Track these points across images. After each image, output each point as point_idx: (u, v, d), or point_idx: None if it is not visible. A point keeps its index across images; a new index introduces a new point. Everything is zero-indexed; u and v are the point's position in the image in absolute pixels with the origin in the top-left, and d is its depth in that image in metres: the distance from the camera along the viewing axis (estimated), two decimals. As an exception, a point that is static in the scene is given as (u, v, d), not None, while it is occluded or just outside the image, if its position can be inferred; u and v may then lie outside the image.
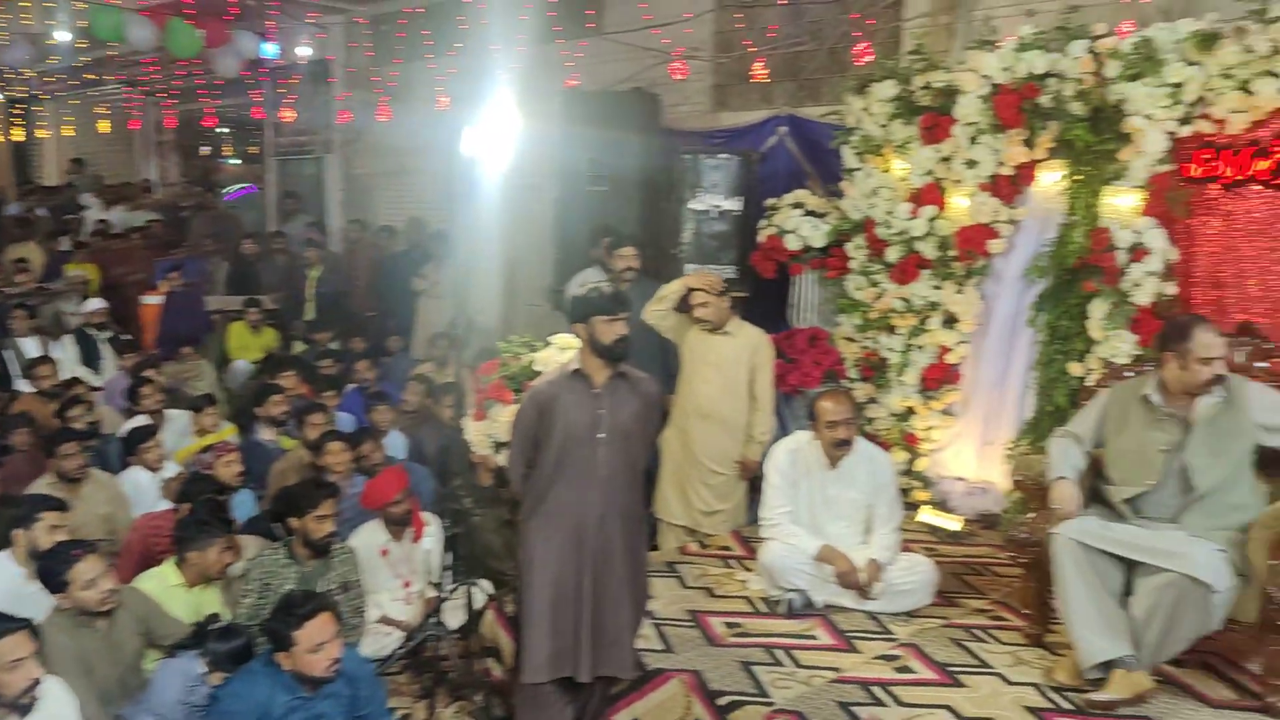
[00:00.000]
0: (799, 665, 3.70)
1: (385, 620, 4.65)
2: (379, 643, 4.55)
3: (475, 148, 3.94)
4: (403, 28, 9.91)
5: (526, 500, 3.58)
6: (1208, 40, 4.59)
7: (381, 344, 8.49)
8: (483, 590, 4.60)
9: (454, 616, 4.52)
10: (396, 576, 4.75)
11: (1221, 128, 4.73)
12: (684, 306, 5.25)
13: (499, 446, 4.82)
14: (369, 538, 4.72)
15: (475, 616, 4.40)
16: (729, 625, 4.06)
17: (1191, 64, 4.64)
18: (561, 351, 4.37)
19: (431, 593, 4.66)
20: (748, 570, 4.63)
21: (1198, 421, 3.59)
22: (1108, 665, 3.40)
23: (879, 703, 3.40)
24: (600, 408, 3.47)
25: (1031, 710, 3.37)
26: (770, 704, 3.41)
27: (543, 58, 8.19)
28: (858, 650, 3.85)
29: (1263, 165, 4.65)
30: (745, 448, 5.16)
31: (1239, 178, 4.73)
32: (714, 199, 6.50)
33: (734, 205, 6.47)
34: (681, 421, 5.22)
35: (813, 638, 3.98)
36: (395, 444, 6.14)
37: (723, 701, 3.45)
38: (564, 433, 3.45)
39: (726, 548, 5.00)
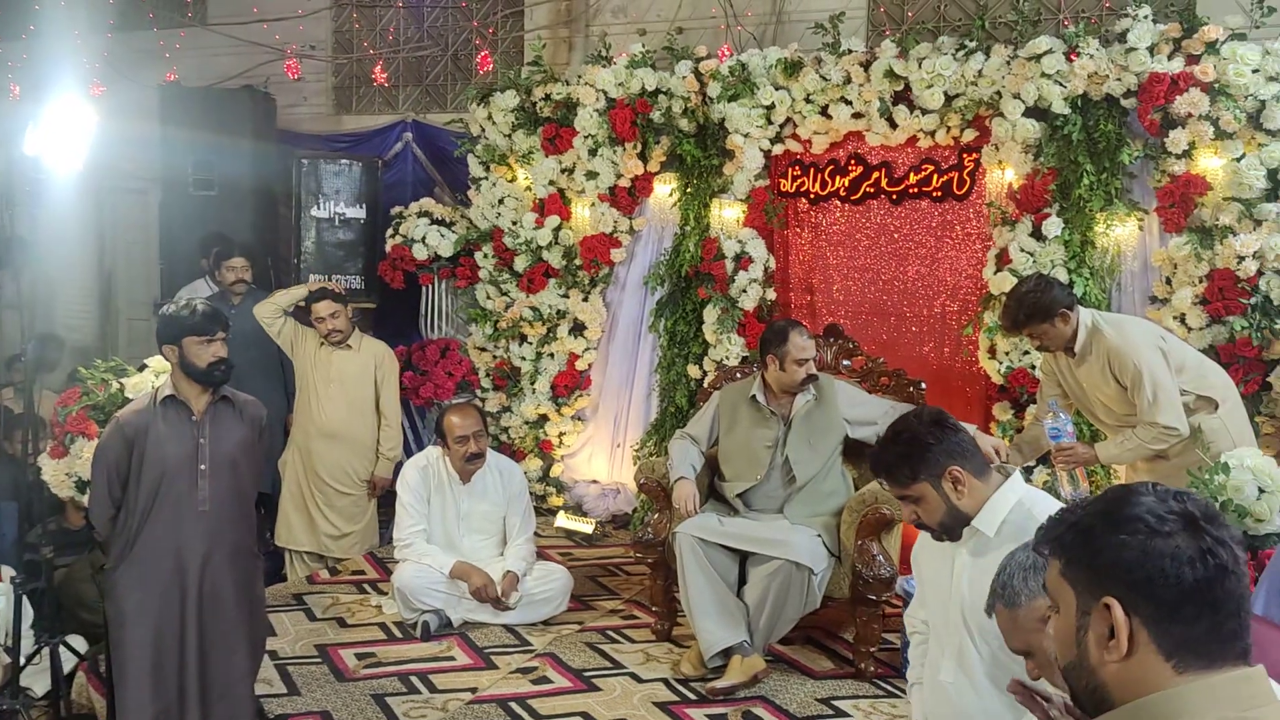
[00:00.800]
0: (435, 690, 3.58)
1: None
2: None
3: (40, 145, 3.42)
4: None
5: (115, 546, 3.15)
6: (792, 68, 5.04)
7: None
8: (72, 649, 4.02)
9: (40, 681, 3.92)
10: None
11: (807, 147, 5.22)
12: (303, 317, 4.95)
13: (83, 486, 4.24)
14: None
15: (63, 680, 3.84)
16: (361, 656, 3.85)
17: (780, 88, 5.07)
18: (158, 376, 3.92)
19: (6, 658, 4.01)
20: (382, 594, 4.44)
21: (795, 418, 3.91)
22: (727, 653, 3.60)
23: (517, 718, 3.37)
24: (200, 437, 3.14)
25: (660, 706, 3.48)
26: (404, 736, 3.26)
27: (140, 48, 7.41)
28: (496, 666, 3.79)
29: (842, 183, 5.19)
30: (373, 465, 4.95)
31: (823, 193, 5.24)
32: (336, 206, 6.21)
33: (358, 213, 6.22)
34: (303, 442, 4.92)
35: (451, 658, 3.87)
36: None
37: (353, 741, 3.25)
38: (158, 467, 3.08)
39: (360, 572, 4.77)
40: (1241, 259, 4.23)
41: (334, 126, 7.37)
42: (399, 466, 4.88)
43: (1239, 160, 4.24)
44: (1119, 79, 4.40)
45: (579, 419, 5.84)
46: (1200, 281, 4.36)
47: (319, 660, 3.80)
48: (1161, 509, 1.16)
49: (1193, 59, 4.31)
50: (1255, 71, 4.18)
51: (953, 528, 2.32)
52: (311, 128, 7.34)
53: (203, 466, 3.14)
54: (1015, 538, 2.22)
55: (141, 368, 4.03)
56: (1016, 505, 2.29)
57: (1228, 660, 1.14)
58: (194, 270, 6.16)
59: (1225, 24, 4.32)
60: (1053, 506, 2.28)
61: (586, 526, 5.39)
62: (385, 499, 5.20)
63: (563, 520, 5.46)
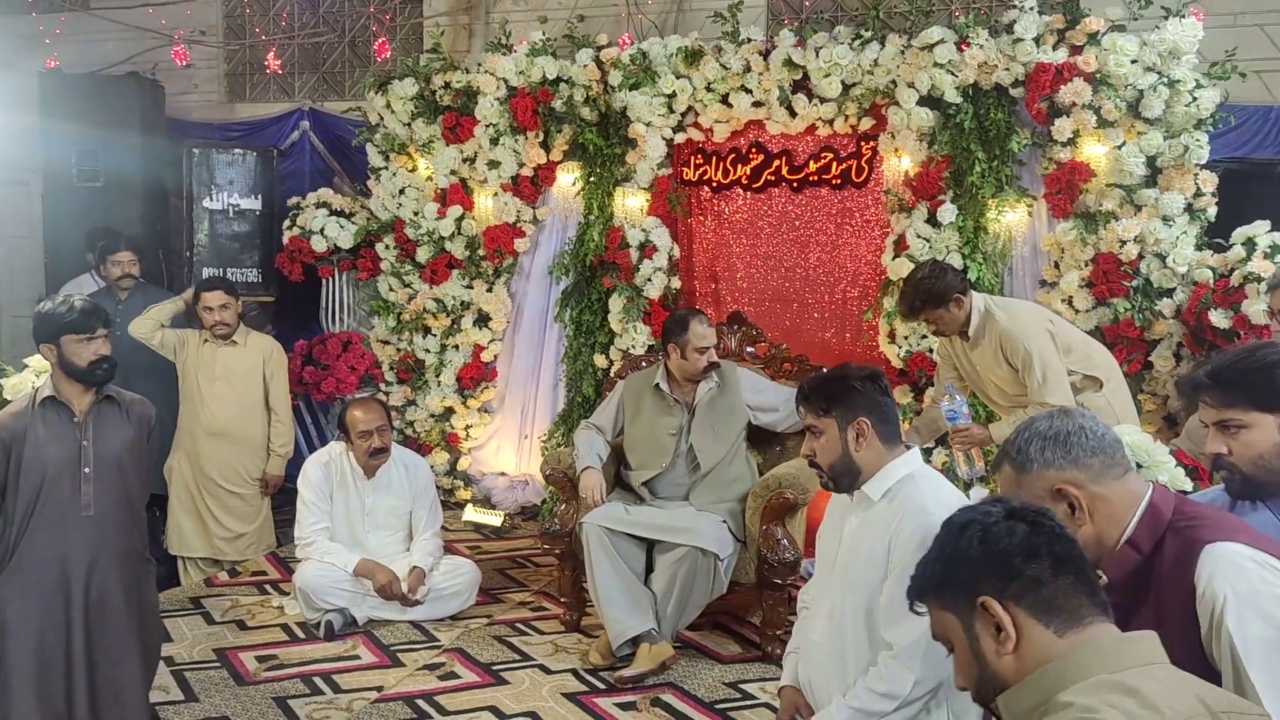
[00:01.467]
0: (339, 690, 3.52)
1: None
2: None
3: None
4: None
5: (-5, 554, 3.02)
6: (693, 56, 5.06)
7: None
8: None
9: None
10: None
11: (709, 136, 5.24)
12: (185, 320, 4.81)
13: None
14: None
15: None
16: (262, 659, 3.76)
17: (681, 77, 5.08)
18: (39, 376, 3.75)
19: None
20: (284, 595, 4.34)
21: (699, 405, 3.93)
22: (636, 641, 3.61)
23: (424, 716, 3.32)
24: (83, 439, 3.01)
25: (569, 696, 3.48)
26: (307, 739, 3.19)
27: (19, 33, 7.07)
28: (402, 663, 3.74)
29: (744, 171, 5.23)
30: (265, 463, 4.84)
31: (725, 181, 5.27)
32: (230, 198, 6.03)
33: (253, 204, 6.05)
34: (189, 444, 4.78)
35: (356, 657, 3.80)
36: None
37: (253, 746, 3.17)
38: (38, 471, 2.95)
39: (261, 573, 4.66)
40: (1124, 243, 4.40)
41: (227, 115, 7.15)
42: (293, 463, 4.78)
43: (1120, 148, 4.39)
44: (1007, 69, 4.53)
45: (485, 411, 5.79)
46: (1086, 265, 4.52)
47: (218, 665, 3.70)
48: (984, 510, 1.38)
49: (1075, 49, 4.46)
50: (1134, 62, 4.34)
51: (840, 476, 2.40)
52: (203, 116, 7.11)
53: (86, 470, 3.02)
54: (898, 509, 2.29)
55: (23, 368, 3.85)
56: (907, 478, 2.35)
57: (1093, 612, 1.31)
58: (81, 265, 5.92)
59: (1106, 16, 4.47)
60: (941, 488, 2.35)
61: (495, 519, 5.35)
62: (281, 499, 5.08)
63: (471, 513, 5.41)
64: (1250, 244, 4.21)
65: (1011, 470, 1.74)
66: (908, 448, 2.42)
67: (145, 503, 3.28)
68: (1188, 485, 2.77)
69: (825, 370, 2.48)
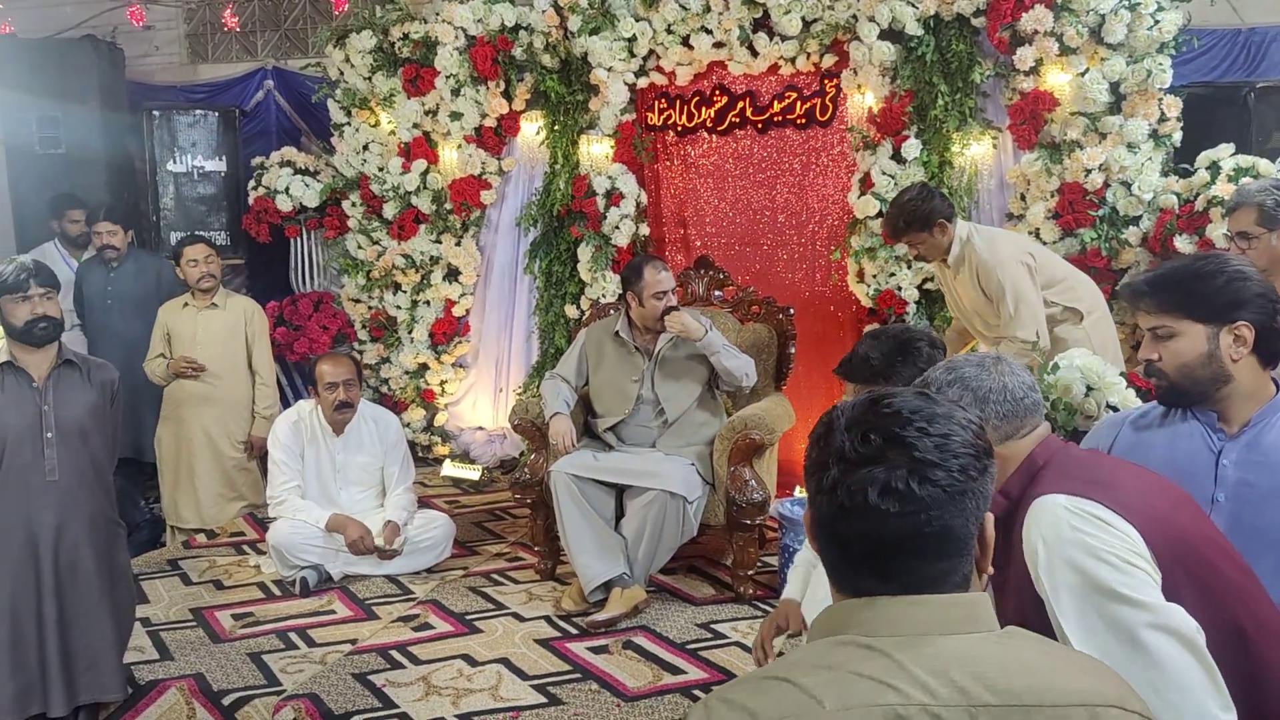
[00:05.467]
0: (313, 645, 3.55)
1: None
2: None
3: None
4: None
5: (-42, 524, 3.02)
6: (651, -2, 4.98)
7: None
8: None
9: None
10: None
11: (672, 79, 5.18)
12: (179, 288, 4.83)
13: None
14: None
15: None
16: (238, 617, 3.78)
17: (640, 19, 5.00)
18: (-3, 343, 3.75)
19: None
20: (261, 554, 4.36)
21: (661, 354, 3.93)
22: (608, 586, 3.64)
23: (397, 666, 3.36)
24: (44, 404, 3.01)
25: (542, 642, 3.51)
26: (281, 691, 3.22)
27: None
28: (377, 617, 3.77)
29: (708, 114, 5.18)
30: (250, 426, 4.84)
31: (690, 125, 5.22)
32: (194, 160, 5.97)
33: (218, 166, 5.99)
34: (173, 411, 4.78)
35: (331, 612, 3.83)
36: None
37: (228, 700, 3.20)
38: (-1, 438, 2.95)
39: (239, 534, 4.68)
40: (1089, 172, 4.37)
41: (189, 77, 7.04)
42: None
43: (1083, 75, 4.35)
44: (968, -2, 4.47)
45: (460, 366, 5.78)
46: (1051, 196, 4.49)
47: (194, 624, 3.73)
48: None
49: (1037, -25, 4.39)
50: (1095, -14, 4.28)
51: None
52: (165, 78, 7.01)
53: (49, 434, 3.02)
54: None
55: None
56: None
57: (885, 588, 1.07)
58: (47, 234, 5.87)
59: (1067, -60, 4.40)
60: None
61: (472, 473, 5.37)
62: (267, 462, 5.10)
63: (449, 468, 5.42)
64: (1215, 167, 4.19)
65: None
66: None
67: (113, 467, 3.29)
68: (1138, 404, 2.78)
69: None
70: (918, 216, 3.63)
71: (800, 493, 4.36)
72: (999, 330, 3.63)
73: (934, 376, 1.72)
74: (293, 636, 3.61)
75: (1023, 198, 4.64)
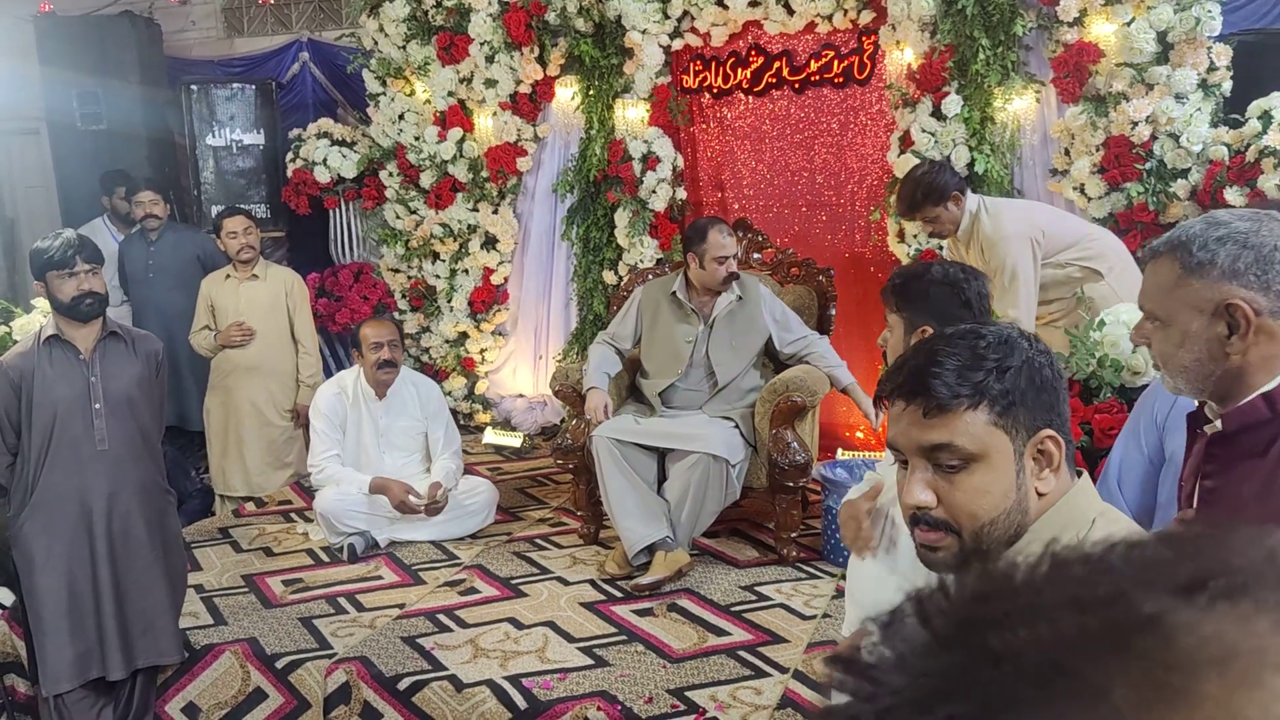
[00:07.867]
0: (362, 609, 3.60)
1: None
2: None
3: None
4: None
5: (15, 494, 3.10)
6: (685, -43, 4.91)
7: None
8: (-5, 600, 3.97)
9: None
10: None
11: (707, 40, 5.12)
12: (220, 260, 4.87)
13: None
14: None
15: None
16: (288, 583, 3.85)
17: (674, -20, 4.94)
18: (46, 316, 3.82)
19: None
20: (309, 521, 4.43)
21: (718, 318, 3.91)
22: (651, 549, 3.65)
23: (445, 629, 3.40)
24: (91, 375, 3.07)
25: (586, 605, 3.54)
26: (332, 655, 3.28)
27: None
28: (424, 582, 3.82)
29: (744, 75, 5.11)
30: (295, 395, 4.90)
31: (726, 87, 5.16)
32: (232, 133, 6.01)
33: (256, 139, 6.03)
34: (219, 381, 4.84)
35: (378, 578, 3.88)
36: None
37: (281, 664, 3.26)
38: (49, 410, 3.01)
39: (287, 502, 4.75)
40: (1135, 124, 4.27)
41: (226, 51, 7.07)
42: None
43: (1129, 24, 4.24)
44: (1010, -52, 4.36)
45: (499, 334, 5.80)
46: (1097, 150, 4.40)
47: (245, 590, 3.80)
48: (996, 334, 1.20)
49: (1081, -77, 4.28)
50: (1142, -68, 4.16)
51: None
52: (202, 53, 7.05)
53: (97, 405, 3.08)
54: None
55: (30, 309, 3.91)
56: None
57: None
58: (95, 210, 5.96)
59: (1112, -114, 4.27)
60: None
61: (514, 440, 5.40)
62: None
63: (490, 436, 5.46)
64: (1267, 117, 4.08)
65: (1174, 266, 1.38)
66: None
67: (160, 438, 3.35)
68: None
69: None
70: (935, 189, 3.59)
71: (842, 455, 4.34)
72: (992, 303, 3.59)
73: (1193, 231, 1.40)
74: (342, 601, 3.67)
75: (1067, 152, 4.55)
